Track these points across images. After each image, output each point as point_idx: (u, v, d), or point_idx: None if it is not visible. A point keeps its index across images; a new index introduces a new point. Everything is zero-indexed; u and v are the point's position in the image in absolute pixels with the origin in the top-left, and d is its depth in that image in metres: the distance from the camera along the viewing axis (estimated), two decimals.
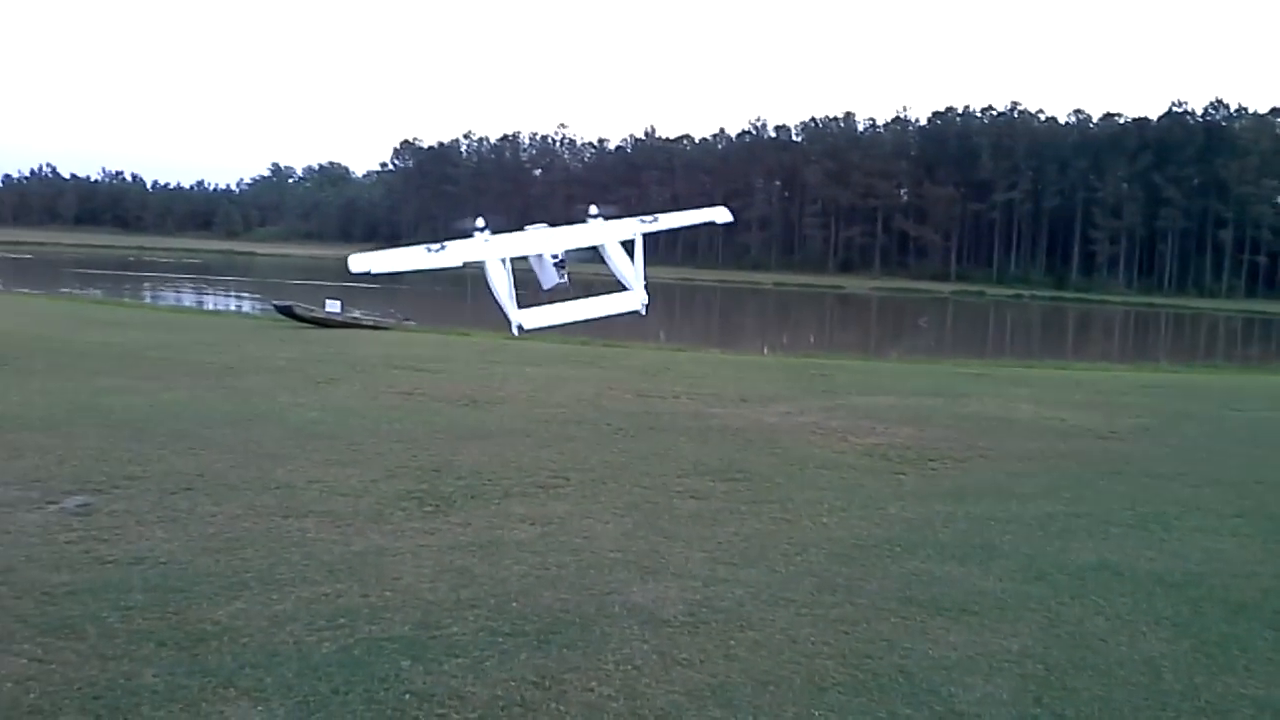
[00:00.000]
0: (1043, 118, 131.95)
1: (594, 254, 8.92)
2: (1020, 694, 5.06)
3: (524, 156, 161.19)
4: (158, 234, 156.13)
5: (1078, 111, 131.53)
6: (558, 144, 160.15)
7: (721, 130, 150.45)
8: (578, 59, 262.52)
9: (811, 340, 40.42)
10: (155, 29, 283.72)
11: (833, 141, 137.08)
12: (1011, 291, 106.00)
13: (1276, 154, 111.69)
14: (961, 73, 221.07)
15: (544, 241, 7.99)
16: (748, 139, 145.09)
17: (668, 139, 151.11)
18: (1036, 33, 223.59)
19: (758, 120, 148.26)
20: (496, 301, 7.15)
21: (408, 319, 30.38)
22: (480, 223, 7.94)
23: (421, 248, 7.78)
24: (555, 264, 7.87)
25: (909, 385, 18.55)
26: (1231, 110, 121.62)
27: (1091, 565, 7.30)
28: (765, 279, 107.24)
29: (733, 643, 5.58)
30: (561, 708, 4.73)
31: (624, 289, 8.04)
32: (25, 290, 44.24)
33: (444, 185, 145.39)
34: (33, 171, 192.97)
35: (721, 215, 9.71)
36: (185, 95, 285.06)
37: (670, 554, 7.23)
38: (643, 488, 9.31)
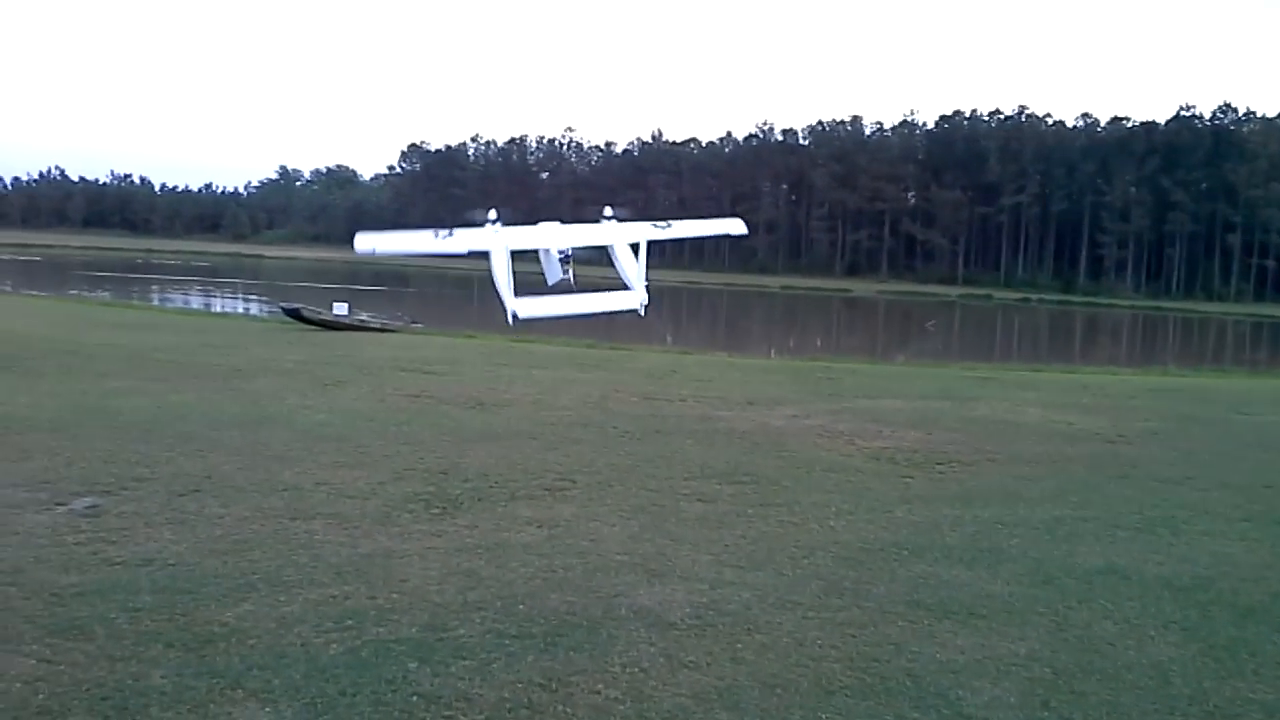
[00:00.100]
0: (1050, 121, 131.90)
1: (600, 255, 8.95)
2: (1028, 698, 5.05)
3: (531, 159, 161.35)
4: (166, 236, 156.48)
5: (1085, 115, 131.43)
6: (565, 147, 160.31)
7: (728, 133, 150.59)
8: (585, 62, 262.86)
9: (818, 343, 40.37)
10: (164, 32, 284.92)
11: (840, 145, 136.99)
12: (1019, 295, 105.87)
13: None
14: (969, 76, 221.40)
15: (550, 236, 8.04)
16: (755, 142, 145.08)
17: (675, 142, 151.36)
18: (1044, 36, 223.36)
19: (765, 123, 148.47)
20: (496, 291, 7.20)
21: (415, 322, 30.38)
22: (493, 215, 8.01)
23: (429, 232, 7.83)
24: (561, 259, 7.92)
25: (916, 389, 18.53)
26: (1240, 114, 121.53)
27: (1099, 569, 7.29)
28: (772, 282, 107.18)
29: (739, 646, 5.57)
30: (568, 710, 4.73)
31: (626, 289, 8.09)
32: (34, 292, 44.35)
33: (451, 188, 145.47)
34: (41, 174, 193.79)
35: (736, 227, 9.75)
36: (193, 98, 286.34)
37: (677, 557, 7.23)
38: (649, 490, 9.32)
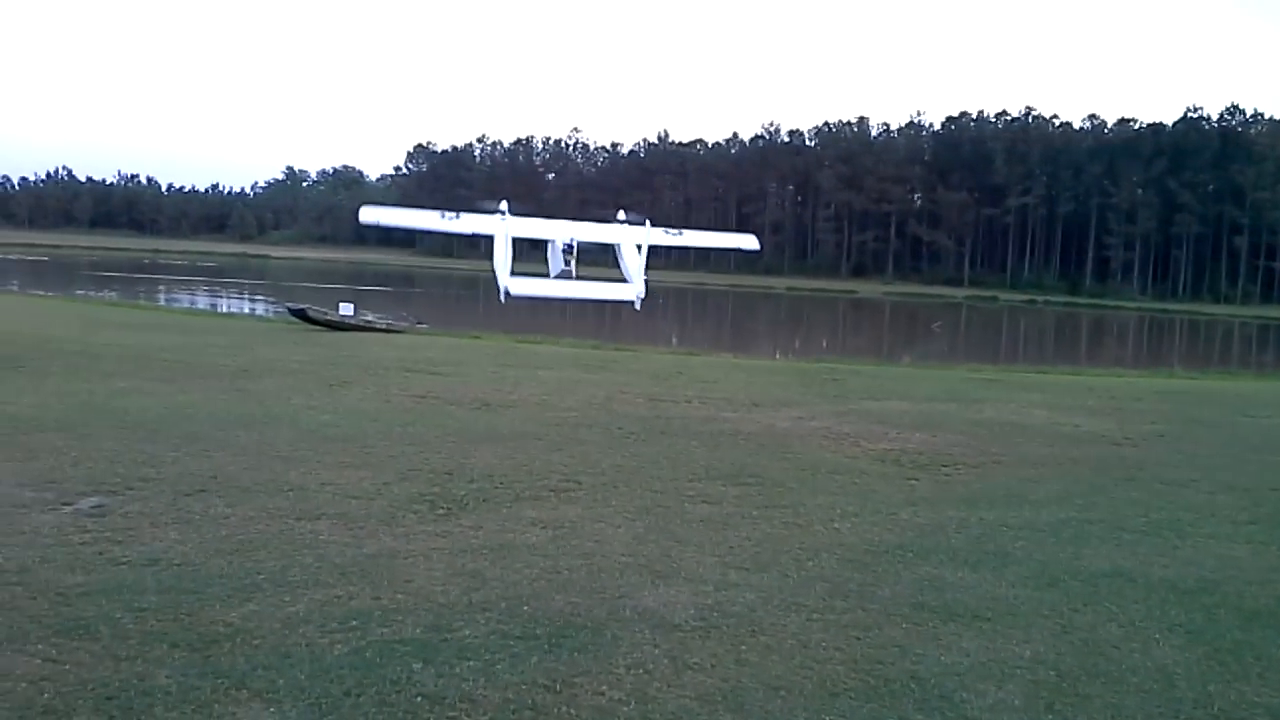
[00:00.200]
0: (1057, 123, 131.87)
1: (605, 255, 9.01)
2: (1032, 700, 5.04)
3: (537, 160, 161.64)
4: (172, 237, 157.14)
5: (1092, 117, 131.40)
6: (571, 148, 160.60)
7: (735, 135, 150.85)
8: (591, 63, 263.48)
9: (824, 345, 40.36)
10: (171, 33, 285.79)
11: (846, 146, 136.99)
12: (1025, 297, 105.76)
13: None
14: (976, 78, 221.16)
15: (554, 228, 8.13)
16: (761, 143, 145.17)
17: (681, 143, 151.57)
18: (1051, 38, 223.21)
19: (771, 125, 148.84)
20: (493, 272, 7.29)
21: (421, 322, 30.43)
22: (504, 206, 8.11)
23: (436, 213, 7.95)
24: (564, 251, 8.00)
25: (922, 390, 18.51)
26: (1247, 116, 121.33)
27: (1105, 572, 7.28)
28: (778, 283, 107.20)
29: (744, 648, 5.57)
30: (572, 711, 4.73)
31: (625, 281, 8.19)
32: (41, 292, 44.49)
33: (458, 189, 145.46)
34: (49, 174, 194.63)
35: (749, 242, 9.80)
36: (200, 98, 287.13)
37: (681, 558, 7.23)
38: (654, 492, 9.32)
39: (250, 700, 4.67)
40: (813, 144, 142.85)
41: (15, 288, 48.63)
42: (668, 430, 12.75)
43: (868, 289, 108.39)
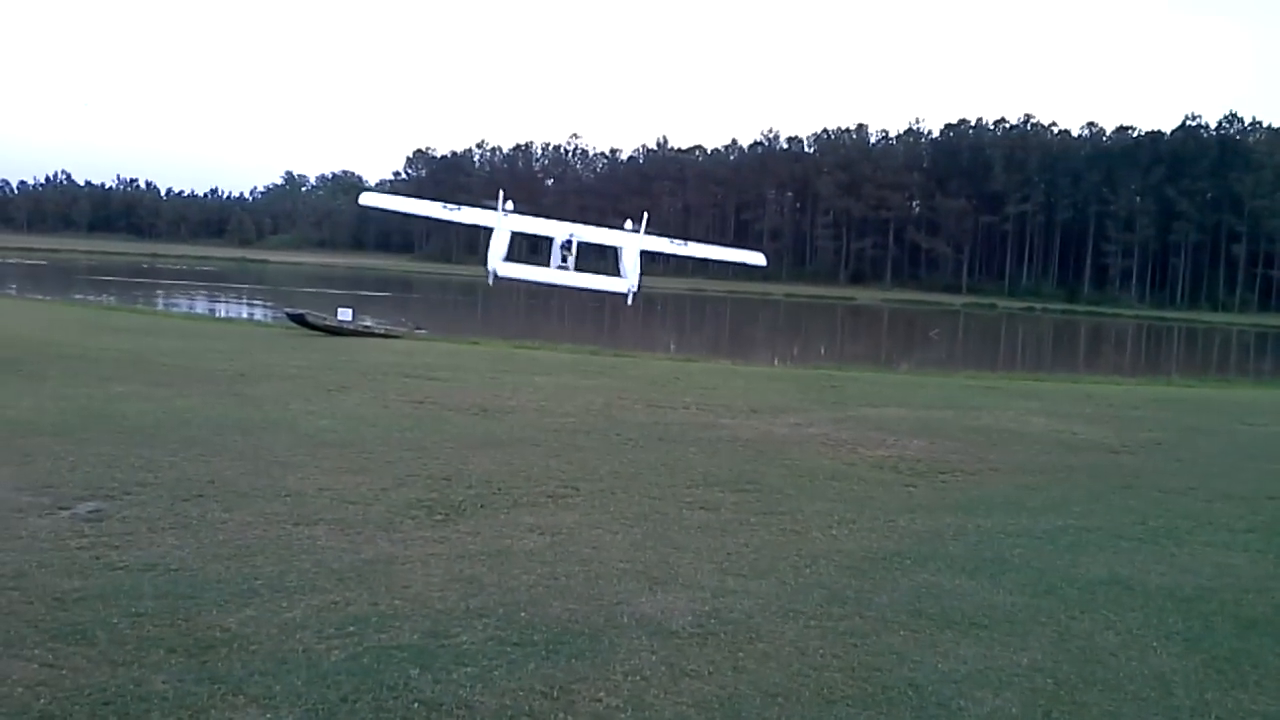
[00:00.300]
0: (1055, 130, 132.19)
1: (608, 255, 9.06)
2: (1030, 708, 5.04)
3: (536, 166, 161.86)
4: (171, 241, 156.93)
5: (1091, 124, 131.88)
6: (570, 154, 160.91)
7: (734, 141, 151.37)
8: (591, 69, 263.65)
9: (822, 352, 40.42)
10: (170, 37, 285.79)
11: (845, 153, 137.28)
12: (1023, 304, 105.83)
13: None
14: (974, 85, 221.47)
15: (554, 226, 8.19)
16: (760, 150, 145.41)
17: (680, 149, 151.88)
18: (1050, 45, 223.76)
19: (770, 131, 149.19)
20: (486, 258, 7.37)
21: (419, 328, 30.45)
22: (509, 205, 8.15)
23: (438, 203, 8.02)
24: (563, 248, 8.07)
25: (920, 397, 18.52)
26: (1246, 124, 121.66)
27: (1102, 579, 7.28)
28: (776, 290, 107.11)
29: (741, 654, 5.57)
30: (569, 718, 4.73)
31: (619, 277, 8.28)
32: (39, 296, 44.48)
33: (457, 194, 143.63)
34: (48, 179, 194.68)
35: (756, 259, 9.85)
36: (200, 103, 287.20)
37: (679, 565, 7.22)
38: (652, 498, 9.31)
39: (247, 706, 4.66)
40: (812, 151, 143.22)
41: (13, 291, 48.60)
42: (666, 436, 12.75)
43: (866, 296, 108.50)
